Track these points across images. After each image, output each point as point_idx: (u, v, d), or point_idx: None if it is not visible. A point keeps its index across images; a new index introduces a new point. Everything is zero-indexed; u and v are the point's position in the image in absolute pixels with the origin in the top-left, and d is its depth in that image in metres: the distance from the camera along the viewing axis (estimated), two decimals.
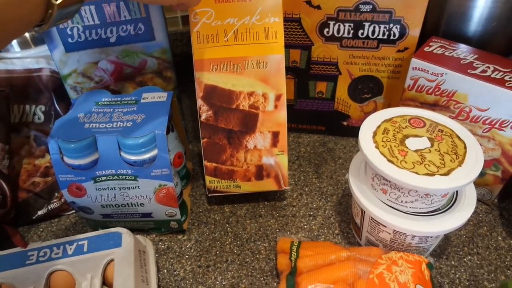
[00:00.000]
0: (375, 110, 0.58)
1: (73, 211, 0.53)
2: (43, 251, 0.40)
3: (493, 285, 0.43)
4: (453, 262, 0.45)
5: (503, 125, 0.44)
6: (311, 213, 0.52)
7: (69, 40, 0.47)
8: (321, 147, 0.62)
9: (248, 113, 0.47)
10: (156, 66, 0.52)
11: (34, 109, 0.52)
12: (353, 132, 0.62)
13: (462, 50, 0.48)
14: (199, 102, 0.47)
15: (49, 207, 0.51)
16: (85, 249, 0.40)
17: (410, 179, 0.36)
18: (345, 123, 0.61)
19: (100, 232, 0.42)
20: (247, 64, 0.45)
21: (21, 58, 0.52)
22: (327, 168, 0.58)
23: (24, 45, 0.53)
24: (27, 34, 0.53)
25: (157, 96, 0.46)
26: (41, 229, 0.51)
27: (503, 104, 0.43)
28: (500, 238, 0.48)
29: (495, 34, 0.54)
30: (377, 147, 0.39)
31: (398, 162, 0.38)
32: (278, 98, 0.46)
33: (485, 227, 0.49)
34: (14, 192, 0.50)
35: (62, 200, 0.52)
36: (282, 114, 0.47)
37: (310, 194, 0.54)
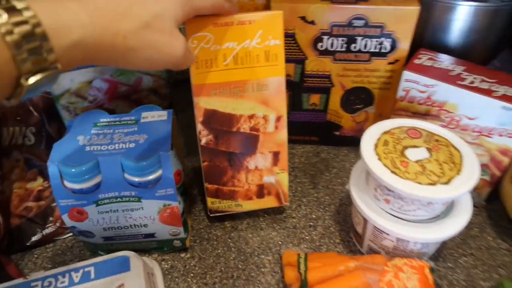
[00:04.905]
0: (366, 119, 0.60)
1: (69, 234, 0.51)
2: (48, 281, 0.39)
3: (488, 284, 0.45)
4: (449, 264, 0.47)
5: (490, 133, 0.47)
6: (311, 223, 0.53)
7: None
8: (315, 157, 0.63)
9: (248, 135, 0.46)
10: (151, 84, 0.51)
11: (24, 131, 0.50)
12: (345, 141, 0.63)
13: (450, 62, 0.51)
14: (199, 127, 0.45)
15: (44, 232, 0.49)
16: (92, 276, 0.39)
17: (415, 190, 0.37)
18: (337, 133, 0.63)
19: (106, 257, 0.41)
20: (247, 87, 0.44)
21: None
22: (323, 178, 0.59)
23: None
24: None
25: (157, 115, 0.46)
26: (35, 256, 0.49)
27: (490, 113, 0.46)
28: (490, 238, 0.50)
29: (475, 46, 0.58)
30: (379, 159, 0.41)
31: (401, 173, 0.39)
32: (278, 119, 0.46)
33: (476, 229, 0.51)
34: (7, 219, 0.47)
35: (57, 224, 0.50)
36: (283, 135, 0.47)
37: (309, 205, 0.55)
